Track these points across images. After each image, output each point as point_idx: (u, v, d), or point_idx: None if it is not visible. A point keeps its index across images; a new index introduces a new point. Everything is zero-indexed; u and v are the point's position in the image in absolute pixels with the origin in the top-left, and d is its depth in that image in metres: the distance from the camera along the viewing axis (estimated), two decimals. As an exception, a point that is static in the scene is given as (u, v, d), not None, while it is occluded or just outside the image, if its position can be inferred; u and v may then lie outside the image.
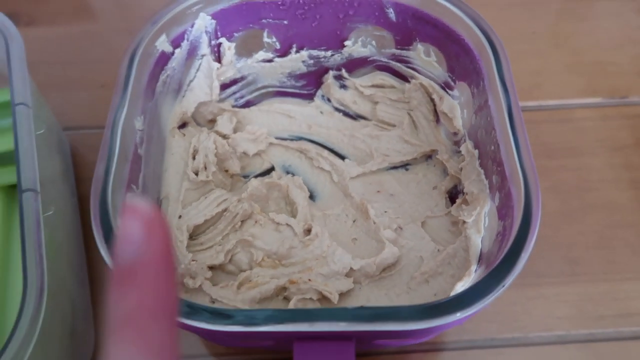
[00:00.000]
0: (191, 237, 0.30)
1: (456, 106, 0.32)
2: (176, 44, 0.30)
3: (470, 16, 0.29)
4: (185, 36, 0.30)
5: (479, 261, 0.28)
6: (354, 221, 0.32)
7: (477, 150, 0.30)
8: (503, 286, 0.21)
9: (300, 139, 0.36)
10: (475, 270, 0.27)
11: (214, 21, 0.31)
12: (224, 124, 0.34)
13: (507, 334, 0.31)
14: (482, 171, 0.29)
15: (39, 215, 0.23)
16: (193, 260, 0.28)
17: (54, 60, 0.43)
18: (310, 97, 0.37)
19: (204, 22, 0.31)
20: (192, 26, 0.30)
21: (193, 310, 0.21)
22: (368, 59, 0.35)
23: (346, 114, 0.36)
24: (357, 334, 0.22)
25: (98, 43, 0.44)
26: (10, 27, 0.28)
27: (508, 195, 0.25)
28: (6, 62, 0.28)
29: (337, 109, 0.36)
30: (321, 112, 0.37)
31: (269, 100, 0.37)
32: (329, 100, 0.37)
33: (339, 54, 0.35)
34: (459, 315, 0.21)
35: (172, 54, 0.30)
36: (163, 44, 0.29)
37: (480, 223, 0.28)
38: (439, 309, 0.21)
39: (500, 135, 0.26)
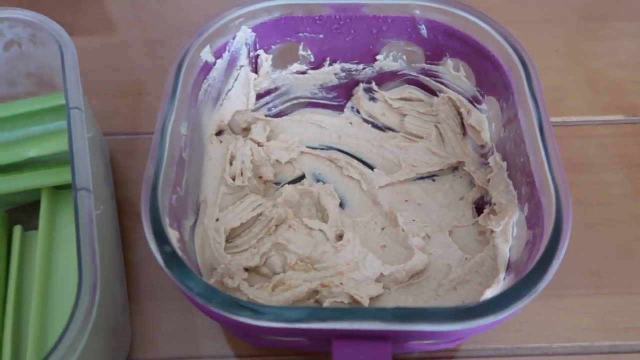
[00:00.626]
0: (227, 240, 0.31)
1: (484, 119, 0.33)
2: (218, 54, 0.32)
3: (501, 33, 0.30)
4: (227, 47, 0.32)
5: (507, 269, 0.28)
6: (382, 229, 0.33)
7: (505, 162, 0.31)
8: (536, 292, 0.22)
9: (330, 148, 0.37)
10: (504, 278, 0.28)
11: (254, 34, 0.33)
12: (258, 133, 0.35)
13: (532, 343, 0.31)
14: (510, 182, 0.30)
15: (92, 213, 0.25)
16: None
17: (93, 69, 0.44)
18: (340, 108, 0.38)
19: (244, 35, 0.32)
20: (233, 38, 0.32)
21: (238, 306, 0.22)
22: (398, 73, 0.36)
23: (375, 126, 0.38)
24: (394, 333, 0.22)
25: (135, 53, 0.46)
26: (65, 36, 0.30)
27: (538, 205, 0.26)
28: (60, 68, 0.30)
29: (365, 121, 0.38)
30: (350, 123, 0.38)
31: (301, 110, 0.38)
32: (358, 111, 0.38)
33: (370, 68, 0.36)
34: (492, 318, 0.22)
35: (214, 64, 0.32)
36: (207, 54, 0.31)
37: (508, 232, 0.29)
38: (474, 312, 0.22)
39: (530, 147, 0.27)
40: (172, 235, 0.24)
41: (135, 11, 0.49)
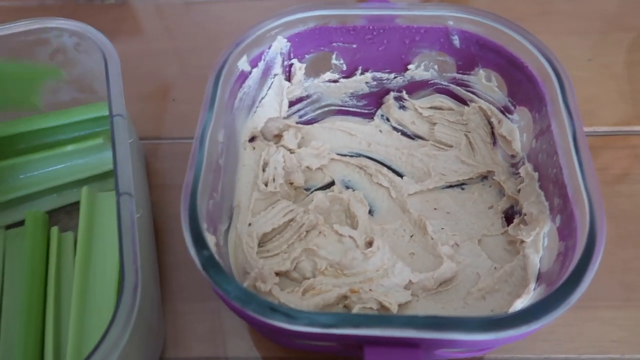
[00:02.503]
0: (259, 244, 0.32)
1: (515, 129, 0.33)
2: (254, 64, 0.33)
3: (534, 44, 0.30)
4: (263, 57, 0.33)
5: (537, 280, 0.29)
6: (411, 236, 0.33)
7: (537, 173, 0.31)
8: (569, 303, 0.22)
9: (359, 155, 0.37)
10: (534, 289, 0.28)
11: (289, 43, 0.33)
12: (290, 139, 0.36)
13: (561, 354, 0.31)
14: (542, 193, 0.30)
15: (133, 217, 0.26)
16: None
17: (130, 75, 0.46)
18: (370, 116, 0.39)
19: (280, 45, 0.33)
20: (269, 48, 0.33)
21: (273, 311, 0.23)
22: (429, 82, 0.36)
23: (404, 134, 0.38)
24: (425, 341, 0.23)
25: (171, 61, 0.47)
26: (109, 46, 0.31)
27: (570, 216, 0.26)
28: (102, 75, 0.31)
29: (395, 129, 0.38)
30: (380, 131, 0.38)
31: (331, 118, 0.39)
32: (388, 119, 0.38)
33: (402, 77, 0.36)
34: (524, 329, 0.22)
35: (250, 73, 0.33)
36: (243, 64, 0.31)
37: (539, 243, 0.29)
38: (506, 322, 0.22)
39: (563, 159, 0.27)
40: (210, 239, 0.25)
41: (163, 21, 0.51)
